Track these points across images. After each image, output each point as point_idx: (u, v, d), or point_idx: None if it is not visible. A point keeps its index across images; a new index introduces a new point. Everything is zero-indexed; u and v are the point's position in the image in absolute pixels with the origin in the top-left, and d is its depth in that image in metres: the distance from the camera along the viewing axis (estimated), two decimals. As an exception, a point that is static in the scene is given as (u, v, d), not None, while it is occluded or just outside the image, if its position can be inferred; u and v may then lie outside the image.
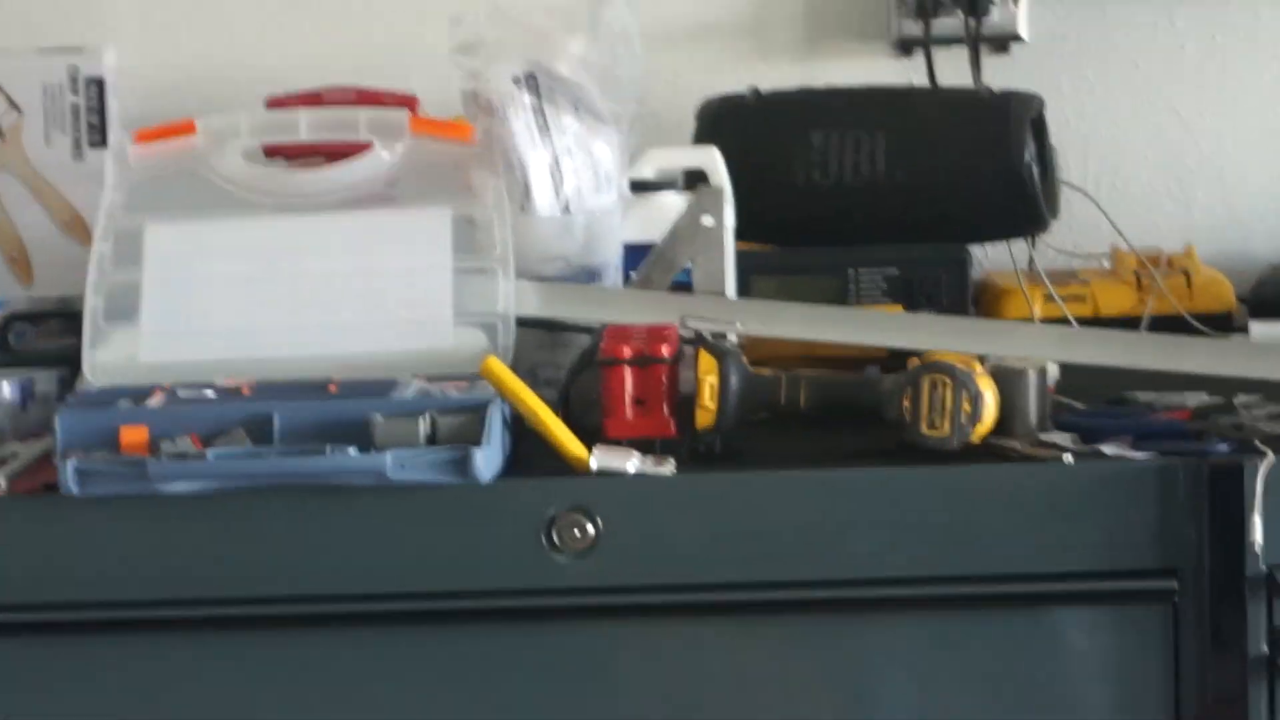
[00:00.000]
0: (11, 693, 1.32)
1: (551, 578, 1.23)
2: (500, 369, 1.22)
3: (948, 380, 1.27)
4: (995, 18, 1.94)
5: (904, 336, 1.48)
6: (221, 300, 1.42)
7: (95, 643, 1.32)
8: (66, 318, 1.52)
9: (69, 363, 1.44)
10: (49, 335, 1.58)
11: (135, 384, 1.32)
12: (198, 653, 1.32)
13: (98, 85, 1.69)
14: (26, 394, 1.42)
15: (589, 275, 1.51)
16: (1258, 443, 1.19)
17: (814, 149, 1.76)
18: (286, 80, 1.76)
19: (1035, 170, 1.70)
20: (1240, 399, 1.37)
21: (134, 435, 1.23)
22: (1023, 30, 1.95)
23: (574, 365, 1.36)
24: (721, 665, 1.32)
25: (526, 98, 1.46)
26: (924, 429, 1.25)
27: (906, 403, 1.27)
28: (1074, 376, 1.45)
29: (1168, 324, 1.68)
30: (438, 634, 1.31)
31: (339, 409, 1.26)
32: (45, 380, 1.46)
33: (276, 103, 1.70)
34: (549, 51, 1.51)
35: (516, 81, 1.47)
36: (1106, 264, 1.86)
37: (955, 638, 1.29)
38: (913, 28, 2.01)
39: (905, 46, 2.01)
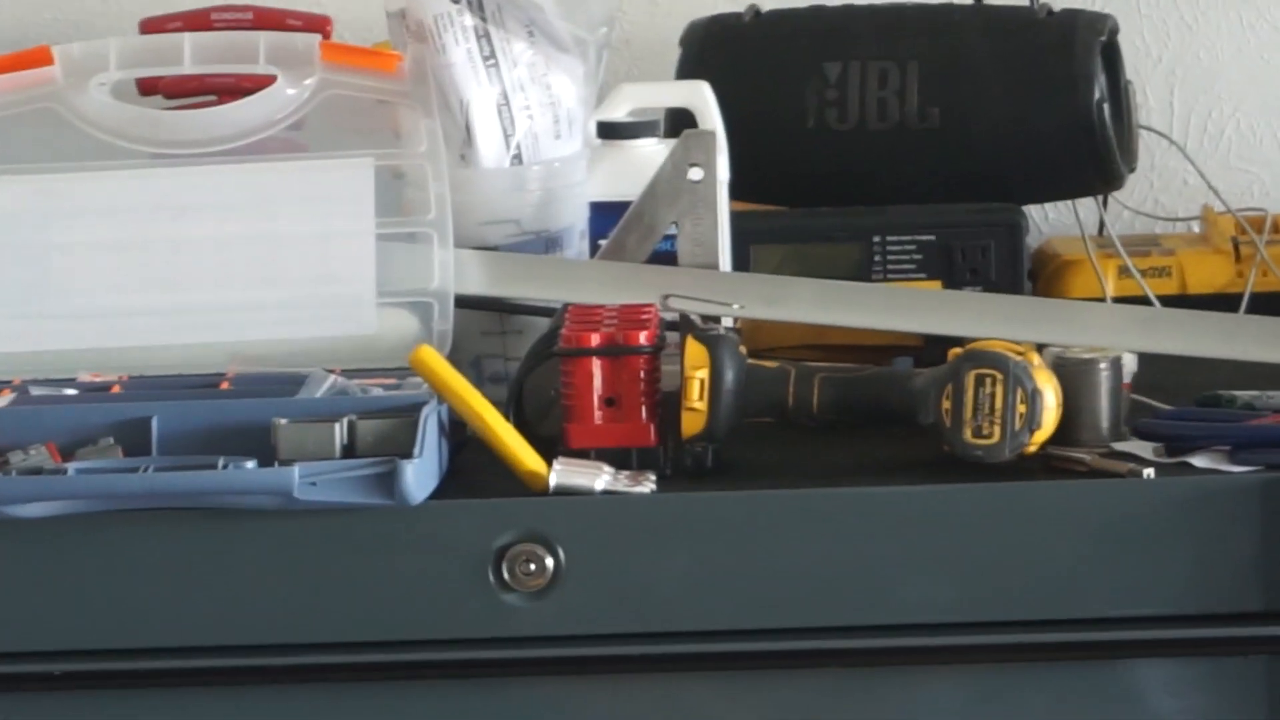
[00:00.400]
0: None
1: (501, 624, 1.21)
2: (435, 361, 1.20)
3: (997, 375, 1.22)
4: None
5: (942, 320, 1.47)
6: (85, 274, 1.40)
7: None
8: None
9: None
10: None
11: None
12: (55, 714, 1.31)
13: None
14: None
15: (547, 243, 1.49)
16: None
17: (829, 83, 1.74)
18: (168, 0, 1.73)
19: (1106, 110, 1.69)
20: None
21: None
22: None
23: (528, 357, 1.33)
24: None
25: (468, 19, 1.45)
26: (969, 436, 1.21)
27: (947, 403, 1.23)
28: (1156, 370, 1.43)
29: (1273, 303, 1.63)
30: (357, 694, 1.28)
31: (234, 411, 1.25)
32: None
33: (153, 26, 1.66)
34: None
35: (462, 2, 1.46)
36: (1196, 228, 1.85)
37: (1009, 696, 1.27)
38: None
39: None
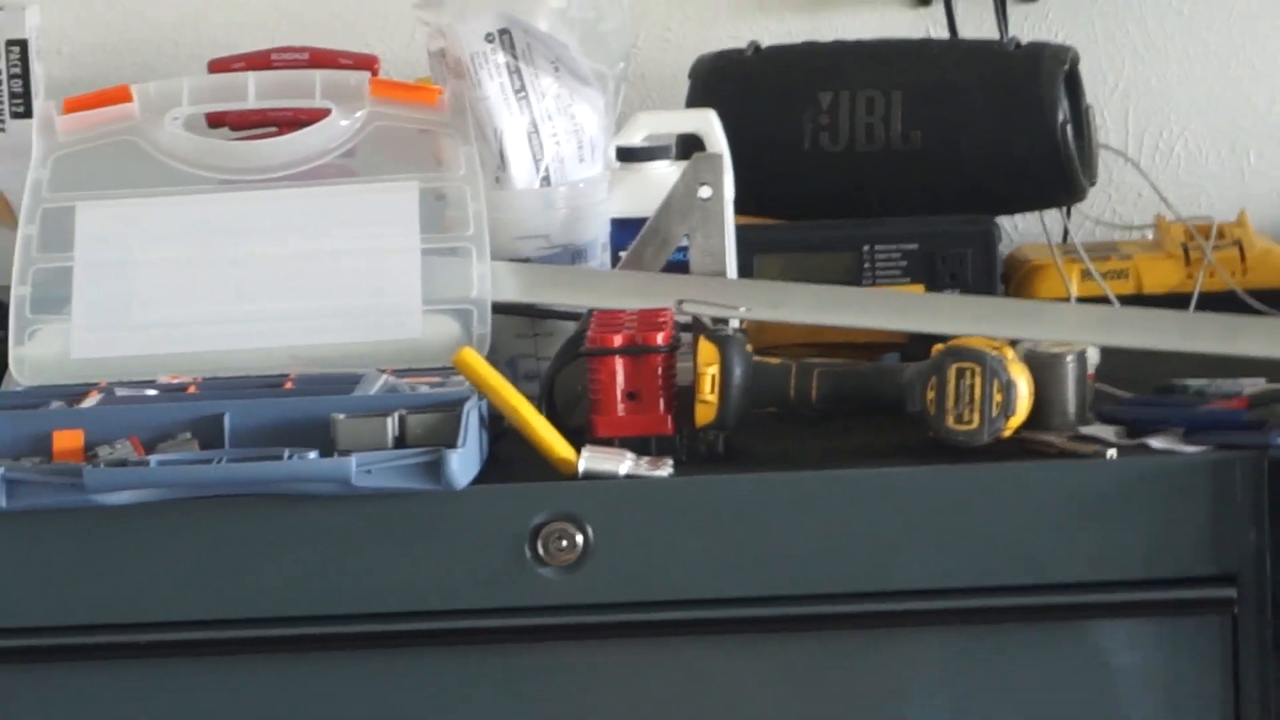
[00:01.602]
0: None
1: (536, 594, 1.21)
2: (476, 361, 1.20)
3: (976, 368, 1.24)
4: None
5: (926, 320, 1.47)
6: (163, 288, 1.42)
7: (23, 674, 1.30)
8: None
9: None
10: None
11: (68, 383, 1.33)
12: (140, 682, 1.29)
13: (20, 48, 1.67)
14: None
15: (573, 255, 1.50)
16: None
17: (822, 110, 1.74)
18: (232, 42, 1.78)
19: (1069, 132, 1.69)
20: None
21: (68, 441, 1.21)
22: (1062, -24, 1.89)
23: (558, 356, 1.34)
24: (727, 690, 1.30)
25: (501, 56, 1.45)
26: (950, 422, 1.23)
27: (930, 394, 1.24)
28: (1116, 362, 1.45)
29: (1220, 301, 1.67)
30: (410, 658, 1.28)
31: (296, 408, 1.25)
32: None
33: (220, 66, 1.66)
34: (525, 4, 1.50)
35: (489, 38, 1.46)
36: (1150, 235, 1.87)
37: (987, 655, 1.29)
38: None
39: None
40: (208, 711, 1.32)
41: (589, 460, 1.21)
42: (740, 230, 1.60)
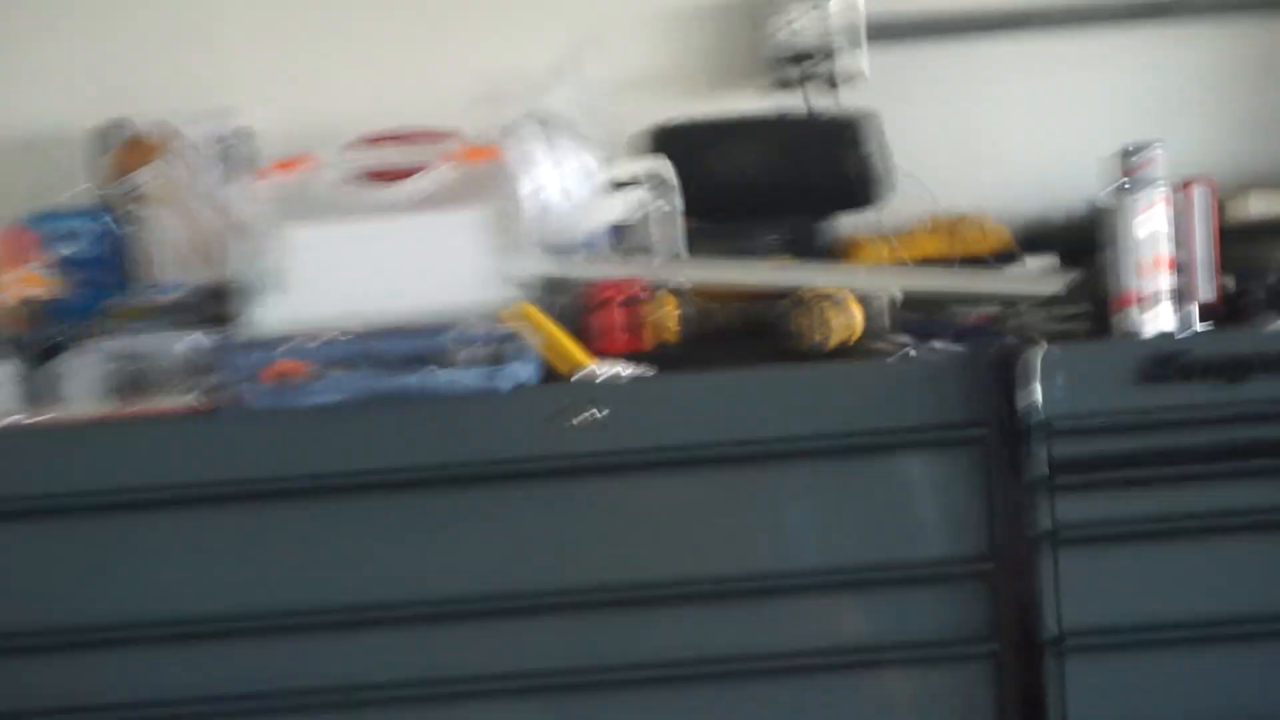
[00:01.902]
0: (189, 554, 1.51)
1: (572, 446, 1.46)
2: (533, 311, 1.45)
3: (829, 302, 1.47)
4: (845, 61, 2.05)
5: (795, 277, 1.62)
6: (336, 276, 1.56)
7: (259, 512, 1.50)
8: (218, 295, 1.64)
9: (225, 324, 1.57)
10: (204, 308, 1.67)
11: (283, 333, 1.50)
12: (339, 518, 1.51)
13: (246, 135, 1.87)
14: (201, 347, 1.56)
15: (584, 246, 1.67)
16: (1034, 336, 1.44)
17: (729, 156, 1.91)
18: (377, 122, 1.81)
19: (876, 162, 1.88)
20: (1021, 307, 1.61)
21: (289, 366, 1.44)
22: (865, 69, 2.06)
23: (579, 308, 1.58)
24: (689, 506, 1.53)
25: (538, 129, 1.64)
26: (814, 337, 1.46)
27: (802, 320, 1.47)
28: (912, 298, 1.65)
29: (969, 263, 1.84)
30: (494, 491, 1.51)
31: (426, 342, 1.46)
32: (212, 336, 1.60)
33: (373, 140, 1.74)
34: (548, 95, 1.67)
35: (530, 121, 1.65)
36: (928, 223, 1.99)
37: (834, 478, 1.51)
38: (789, 70, 2.09)
39: (784, 84, 2.10)
40: (377, 532, 1.51)
41: (599, 367, 1.44)
42: (687, 229, 1.74)
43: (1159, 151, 1.48)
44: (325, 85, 2.08)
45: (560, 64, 1.71)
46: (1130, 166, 1.46)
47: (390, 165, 1.68)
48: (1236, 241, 1.66)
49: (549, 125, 1.70)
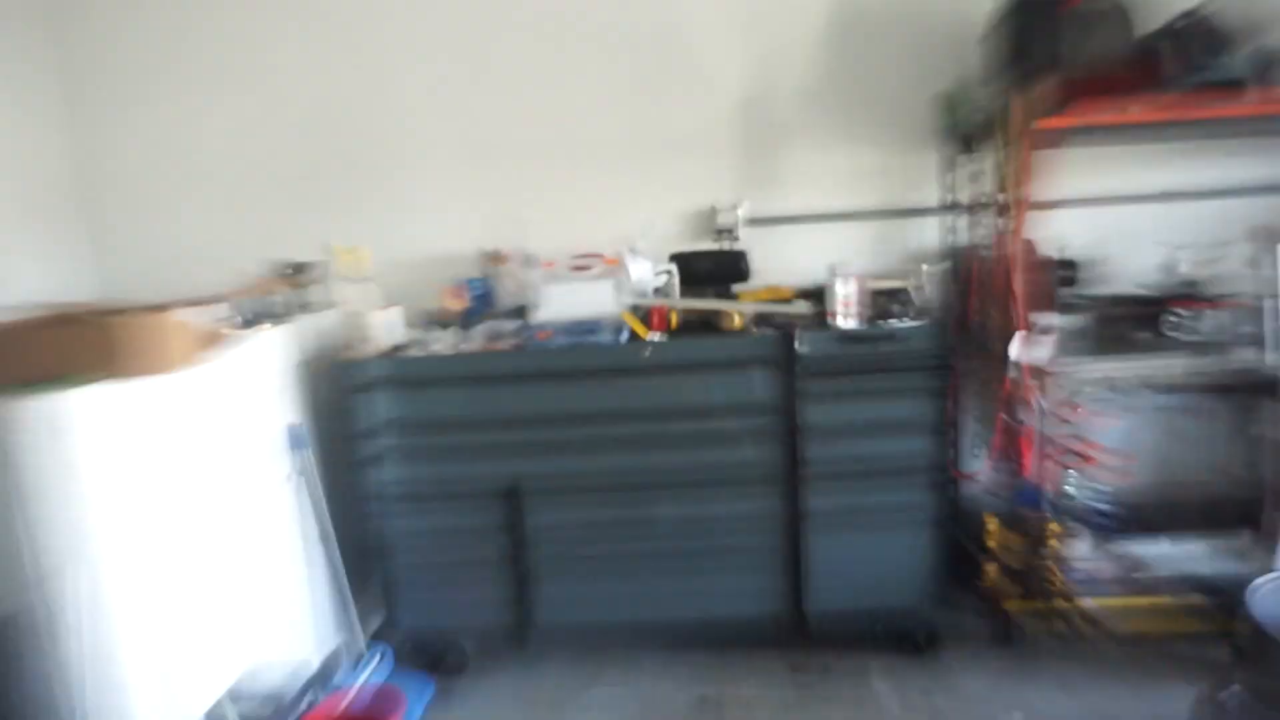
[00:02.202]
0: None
1: (640, 361, 3.37)
2: (629, 315, 3.45)
3: (732, 314, 3.45)
4: (741, 230, 3.96)
5: (719, 305, 3.47)
6: (563, 304, 3.43)
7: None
8: (520, 311, 3.75)
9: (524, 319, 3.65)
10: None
11: (543, 322, 3.46)
12: (560, 390, 3.40)
13: (531, 253, 3.90)
14: (510, 330, 3.69)
15: (646, 294, 3.56)
16: (799, 325, 3.39)
17: (697, 263, 3.82)
18: (580, 246, 3.82)
19: (746, 265, 3.79)
20: (796, 317, 3.52)
21: (544, 333, 3.37)
22: (743, 233, 4.02)
23: (645, 314, 3.48)
24: (683, 387, 3.37)
25: (632, 255, 3.56)
26: (727, 326, 3.41)
27: (723, 319, 3.45)
28: (758, 315, 3.55)
29: (778, 301, 3.65)
30: (614, 379, 3.33)
31: (593, 325, 3.39)
32: (515, 324, 3.67)
33: (578, 255, 3.67)
34: (635, 239, 3.59)
35: (629, 248, 3.57)
36: (763, 289, 3.69)
37: (728, 375, 3.34)
38: (721, 235, 4.11)
39: (718, 236, 4.13)
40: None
41: (651, 335, 3.33)
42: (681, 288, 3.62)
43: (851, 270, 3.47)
44: (564, 229, 4.12)
45: (640, 228, 3.65)
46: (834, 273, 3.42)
47: (583, 263, 3.71)
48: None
49: (635, 250, 3.58)
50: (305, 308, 3.92)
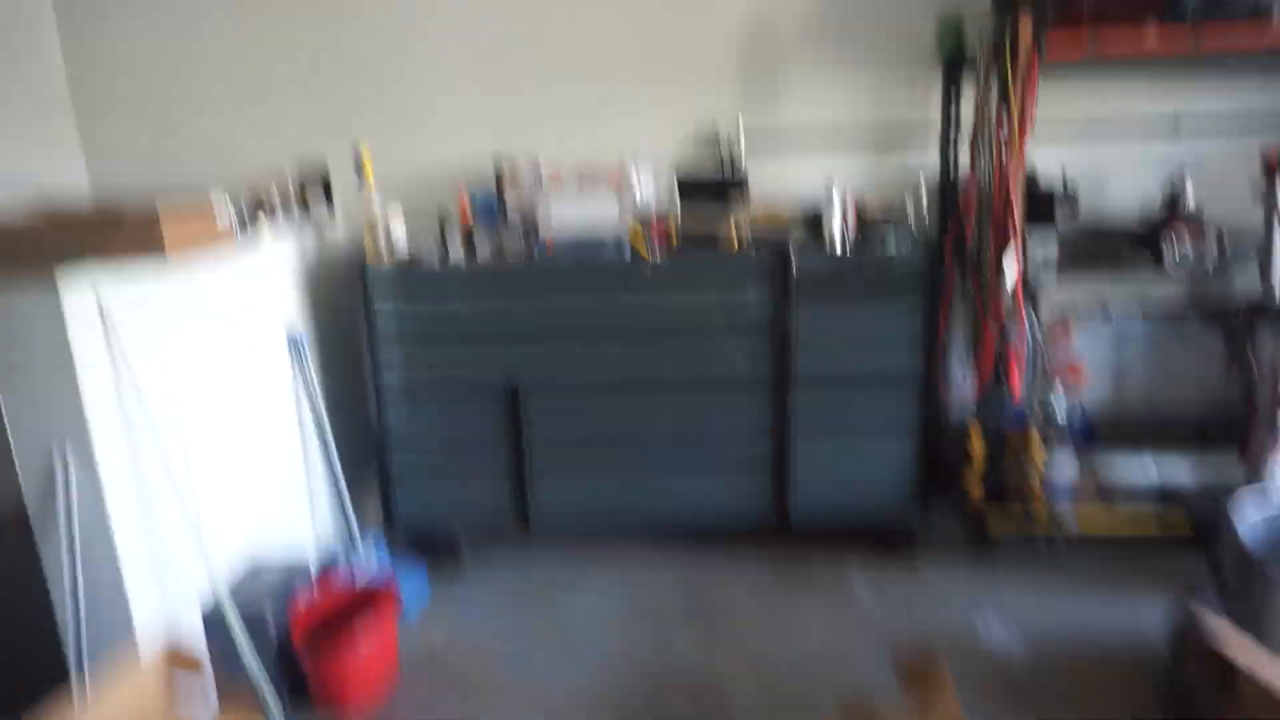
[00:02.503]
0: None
1: (643, 276, 3.45)
2: (635, 230, 3.50)
3: (731, 234, 3.56)
4: (741, 157, 3.92)
5: (716, 221, 3.64)
6: (571, 217, 3.51)
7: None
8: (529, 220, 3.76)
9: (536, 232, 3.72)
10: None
11: (549, 234, 3.62)
12: (567, 292, 3.42)
13: (540, 166, 3.89)
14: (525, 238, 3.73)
15: (648, 209, 3.64)
16: (793, 246, 3.42)
17: (697, 186, 3.75)
18: (589, 157, 3.84)
19: (746, 188, 3.80)
20: (790, 237, 3.58)
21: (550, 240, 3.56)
22: (745, 162, 3.98)
23: (647, 230, 3.59)
24: (681, 298, 3.43)
25: (635, 168, 3.63)
26: (727, 245, 3.47)
27: (723, 233, 3.54)
28: (754, 234, 3.62)
29: (775, 223, 3.70)
30: (619, 293, 3.41)
31: (600, 240, 3.48)
32: (531, 235, 3.70)
33: (584, 171, 3.66)
34: (642, 156, 3.67)
35: (634, 164, 3.67)
36: (765, 208, 3.64)
37: (723, 293, 3.40)
38: (718, 157, 3.99)
39: (716, 162, 3.99)
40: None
41: (652, 253, 3.46)
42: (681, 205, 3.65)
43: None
44: (569, 143, 4.06)
45: (645, 146, 3.76)
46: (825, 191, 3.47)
47: (590, 178, 3.67)
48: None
49: (639, 166, 3.69)
50: (310, 212, 3.92)
